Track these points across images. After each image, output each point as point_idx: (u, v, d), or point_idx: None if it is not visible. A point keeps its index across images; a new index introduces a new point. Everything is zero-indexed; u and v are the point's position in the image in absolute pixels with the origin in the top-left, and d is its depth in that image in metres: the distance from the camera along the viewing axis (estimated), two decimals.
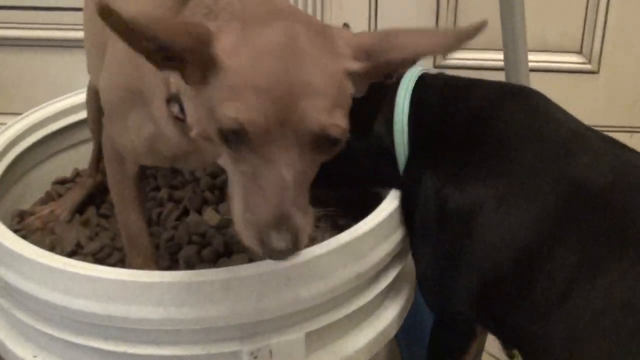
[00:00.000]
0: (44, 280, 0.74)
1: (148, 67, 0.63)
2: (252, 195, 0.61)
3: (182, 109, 0.68)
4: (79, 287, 0.72)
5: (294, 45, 0.61)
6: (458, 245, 0.79)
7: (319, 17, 1.37)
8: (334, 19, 1.37)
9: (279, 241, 0.59)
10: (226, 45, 0.60)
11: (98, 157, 1.00)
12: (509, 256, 0.75)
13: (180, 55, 0.60)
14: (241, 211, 0.62)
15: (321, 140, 0.61)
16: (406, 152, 0.85)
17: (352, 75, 0.63)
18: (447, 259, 0.80)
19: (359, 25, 1.39)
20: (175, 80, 0.67)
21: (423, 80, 0.87)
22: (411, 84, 0.86)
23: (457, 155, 0.81)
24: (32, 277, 0.75)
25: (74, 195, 1.01)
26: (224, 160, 0.65)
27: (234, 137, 0.60)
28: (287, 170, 0.60)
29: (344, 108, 0.63)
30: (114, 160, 0.82)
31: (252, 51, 0.60)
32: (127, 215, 0.83)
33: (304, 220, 0.60)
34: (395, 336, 0.88)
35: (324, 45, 0.63)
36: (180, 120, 0.69)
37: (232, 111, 0.59)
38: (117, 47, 0.75)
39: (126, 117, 0.76)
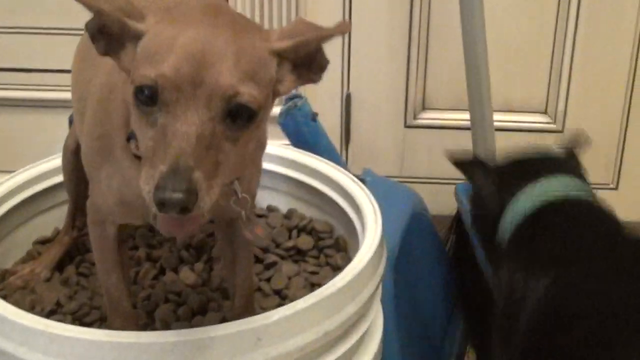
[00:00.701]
0: (24, 340, 0.76)
1: (114, 108, 0.71)
2: (156, 153, 0.63)
3: None
4: (58, 347, 0.75)
5: (216, 21, 0.67)
6: None
7: (293, 12, 1.40)
8: (309, 14, 1.41)
9: (172, 191, 0.59)
10: (151, 20, 0.68)
11: (74, 214, 1.03)
12: None
13: (118, 36, 0.67)
14: (144, 171, 0.63)
15: (234, 109, 0.64)
16: None
17: (280, 57, 0.69)
18: None
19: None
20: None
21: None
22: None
23: None
24: (12, 337, 0.77)
25: (53, 253, 1.04)
26: (135, 126, 0.68)
27: (147, 99, 0.64)
28: (191, 128, 0.62)
29: (264, 85, 0.67)
30: (95, 223, 0.84)
31: (173, 23, 0.67)
32: (108, 277, 0.85)
33: (206, 184, 0.61)
34: None
35: (248, 24, 0.70)
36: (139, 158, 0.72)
37: (147, 69, 0.64)
38: (93, 98, 0.80)
39: (100, 170, 0.79)
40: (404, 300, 1.17)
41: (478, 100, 1.21)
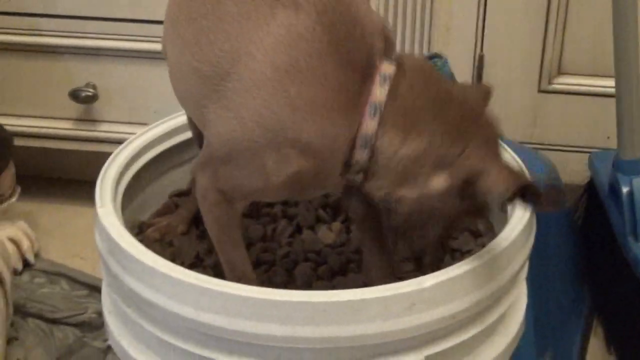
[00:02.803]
0: (175, 293, 0.76)
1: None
2: None
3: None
4: (209, 302, 0.75)
5: None
6: None
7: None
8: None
9: None
10: None
11: None
12: None
13: None
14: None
15: None
16: None
17: None
18: None
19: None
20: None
21: None
22: None
23: None
24: (163, 290, 0.77)
25: (189, 207, 1.03)
26: None
27: None
28: None
29: None
30: (221, 203, 0.80)
31: None
32: (233, 252, 0.83)
33: None
34: None
35: None
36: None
37: None
38: (256, 78, 0.73)
39: (263, 156, 0.75)
40: (535, 269, 1.13)
41: (625, 66, 1.14)
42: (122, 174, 0.94)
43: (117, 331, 0.86)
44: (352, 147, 0.74)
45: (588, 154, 1.32)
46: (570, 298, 1.32)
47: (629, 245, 1.16)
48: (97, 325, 1.31)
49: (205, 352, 0.77)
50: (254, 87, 0.73)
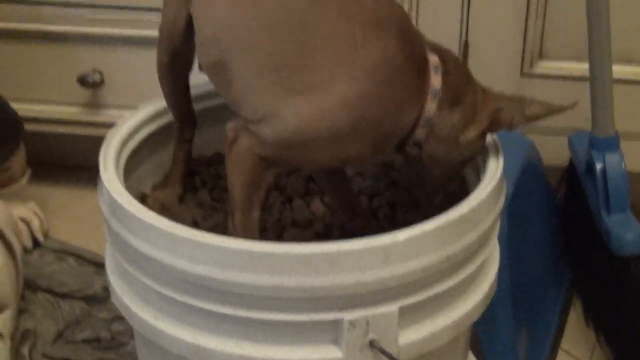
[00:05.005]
0: (172, 247, 0.83)
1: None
2: None
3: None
4: (202, 254, 0.82)
5: None
6: None
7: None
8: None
9: None
10: None
11: (181, 129, 1.09)
12: None
13: None
14: None
15: None
16: None
17: None
18: None
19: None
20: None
21: None
22: None
23: None
24: (160, 245, 0.84)
25: (175, 170, 1.09)
26: None
27: None
28: None
29: None
30: (259, 165, 0.88)
31: None
32: (252, 214, 0.90)
33: None
34: (475, 325, 0.96)
35: None
36: None
37: None
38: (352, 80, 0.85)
39: (338, 142, 0.86)
40: (516, 241, 1.20)
41: (598, 50, 1.22)
42: (123, 144, 1.01)
43: (119, 289, 0.93)
44: (414, 126, 0.90)
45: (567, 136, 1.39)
46: (550, 274, 1.39)
47: (602, 218, 1.22)
48: (102, 299, 1.39)
49: (198, 303, 0.84)
50: (355, 97, 0.85)
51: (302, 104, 0.85)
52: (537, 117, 0.92)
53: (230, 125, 0.90)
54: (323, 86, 0.84)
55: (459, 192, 1.02)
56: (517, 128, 0.93)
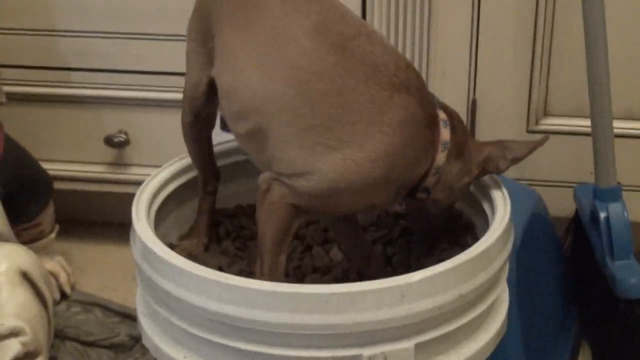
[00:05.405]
0: (201, 290, 0.89)
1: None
2: None
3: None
4: (230, 295, 0.88)
5: None
6: None
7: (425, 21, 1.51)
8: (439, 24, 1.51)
9: None
10: None
11: (205, 182, 1.16)
12: None
13: None
14: None
15: None
16: None
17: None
18: None
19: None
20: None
21: None
22: None
23: None
24: (190, 287, 0.90)
25: (201, 221, 1.16)
26: None
27: None
28: None
29: None
30: (290, 213, 0.95)
31: None
32: (280, 258, 0.97)
33: None
34: None
35: None
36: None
37: None
38: (384, 137, 0.93)
39: (365, 192, 0.95)
40: (525, 287, 1.25)
41: (599, 107, 1.28)
42: (153, 198, 1.08)
43: (149, 330, 0.99)
44: (425, 174, 0.99)
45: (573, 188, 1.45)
46: (558, 320, 1.43)
47: (607, 265, 1.28)
48: (128, 347, 1.44)
49: (225, 341, 0.90)
50: (385, 151, 0.94)
51: (338, 159, 0.93)
52: (520, 158, 1.02)
53: (264, 177, 0.97)
54: (356, 142, 0.93)
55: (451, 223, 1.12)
56: (503, 172, 1.04)
